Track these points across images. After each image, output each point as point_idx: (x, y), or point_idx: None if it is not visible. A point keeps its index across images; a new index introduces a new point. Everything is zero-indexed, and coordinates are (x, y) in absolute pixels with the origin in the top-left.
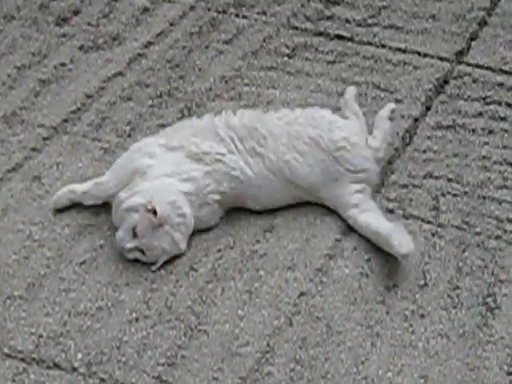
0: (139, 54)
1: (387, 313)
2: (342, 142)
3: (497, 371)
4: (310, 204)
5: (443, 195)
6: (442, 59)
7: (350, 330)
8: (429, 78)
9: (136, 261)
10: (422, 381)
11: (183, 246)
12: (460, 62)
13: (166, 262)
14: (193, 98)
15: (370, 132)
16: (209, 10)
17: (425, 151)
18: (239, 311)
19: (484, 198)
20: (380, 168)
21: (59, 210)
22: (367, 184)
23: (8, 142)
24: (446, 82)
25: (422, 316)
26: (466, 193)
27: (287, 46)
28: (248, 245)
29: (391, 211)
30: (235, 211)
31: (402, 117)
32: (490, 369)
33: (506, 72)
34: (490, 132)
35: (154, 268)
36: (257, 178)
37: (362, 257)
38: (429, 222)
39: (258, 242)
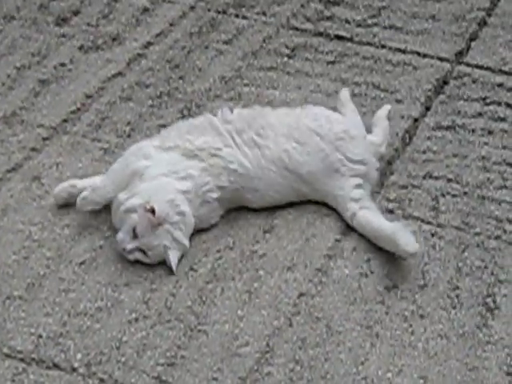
0: (139, 55)
1: (387, 313)
2: (341, 134)
3: (496, 371)
4: (310, 204)
5: (443, 195)
6: (441, 59)
7: (350, 330)
8: (428, 78)
9: (136, 261)
10: (422, 381)
11: (186, 242)
12: (460, 63)
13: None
14: (193, 99)
15: (369, 132)
16: (209, 10)
17: (424, 152)
18: (239, 311)
19: (484, 198)
20: (379, 165)
21: (59, 211)
22: (367, 180)
23: (8, 142)
24: (445, 82)
25: (422, 316)
26: (465, 193)
27: (287, 47)
28: (248, 245)
29: (391, 211)
30: (235, 211)
31: (402, 117)
32: (489, 369)
33: (505, 72)
34: (490, 132)
35: (174, 272)
36: (256, 170)
37: (362, 257)
38: (428, 223)
39: (257, 242)
